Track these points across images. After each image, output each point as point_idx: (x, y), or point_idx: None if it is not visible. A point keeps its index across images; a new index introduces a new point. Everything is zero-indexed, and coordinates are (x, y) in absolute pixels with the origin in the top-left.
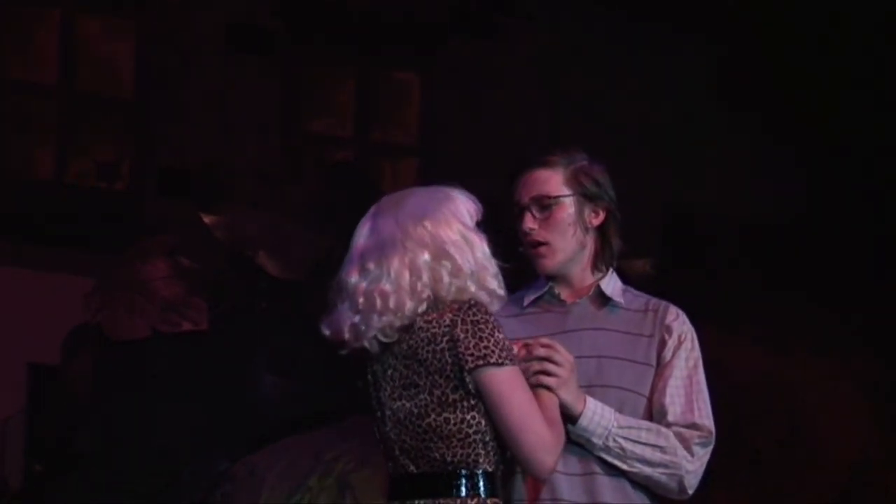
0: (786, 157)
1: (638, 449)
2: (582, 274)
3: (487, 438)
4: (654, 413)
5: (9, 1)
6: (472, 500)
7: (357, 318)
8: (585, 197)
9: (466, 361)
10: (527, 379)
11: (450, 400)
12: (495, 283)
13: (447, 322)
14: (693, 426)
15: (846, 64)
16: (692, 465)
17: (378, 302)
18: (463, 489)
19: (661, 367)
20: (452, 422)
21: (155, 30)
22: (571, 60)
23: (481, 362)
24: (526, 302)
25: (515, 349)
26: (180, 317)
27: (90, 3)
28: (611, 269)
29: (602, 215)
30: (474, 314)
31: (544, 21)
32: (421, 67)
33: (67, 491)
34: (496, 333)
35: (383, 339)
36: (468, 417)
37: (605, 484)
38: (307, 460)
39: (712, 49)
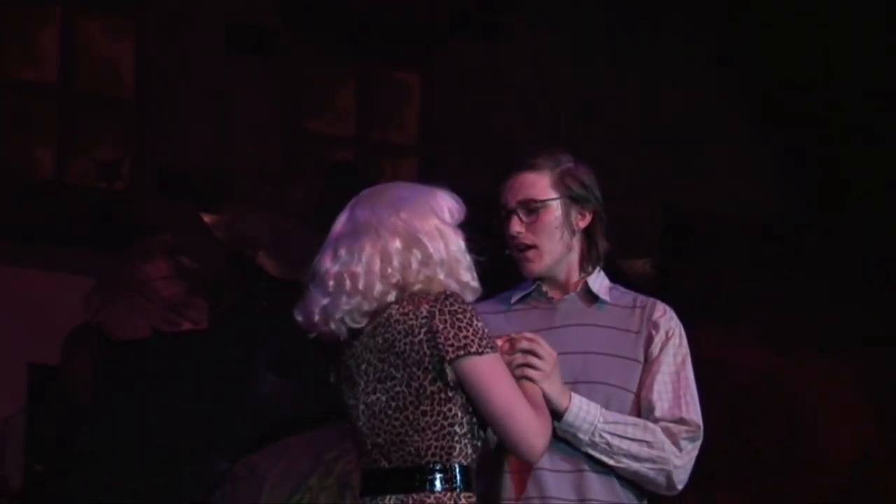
0: (787, 156)
1: (625, 444)
2: (569, 273)
3: (463, 431)
4: (641, 409)
5: (9, 1)
6: (445, 494)
7: (326, 301)
8: (572, 199)
9: (447, 352)
10: (511, 372)
11: (427, 392)
12: (468, 276)
13: (424, 314)
14: (680, 421)
15: (848, 62)
16: (680, 460)
17: (347, 283)
18: (437, 483)
19: (648, 364)
20: (429, 414)
21: (155, 30)
22: (571, 60)
23: (462, 352)
24: (513, 300)
25: (500, 343)
26: (180, 316)
27: (90, 2)
28: (598, 268)
29: (589, 217)
30: (451, 304)
31: (544, 21)
32: (421, 67)
33: (67, 491)
34: (475, 322)
35: (351, 324)
36: (444, 409)
37: (593, 480)
38: (308, 460)
39: (713, 49)
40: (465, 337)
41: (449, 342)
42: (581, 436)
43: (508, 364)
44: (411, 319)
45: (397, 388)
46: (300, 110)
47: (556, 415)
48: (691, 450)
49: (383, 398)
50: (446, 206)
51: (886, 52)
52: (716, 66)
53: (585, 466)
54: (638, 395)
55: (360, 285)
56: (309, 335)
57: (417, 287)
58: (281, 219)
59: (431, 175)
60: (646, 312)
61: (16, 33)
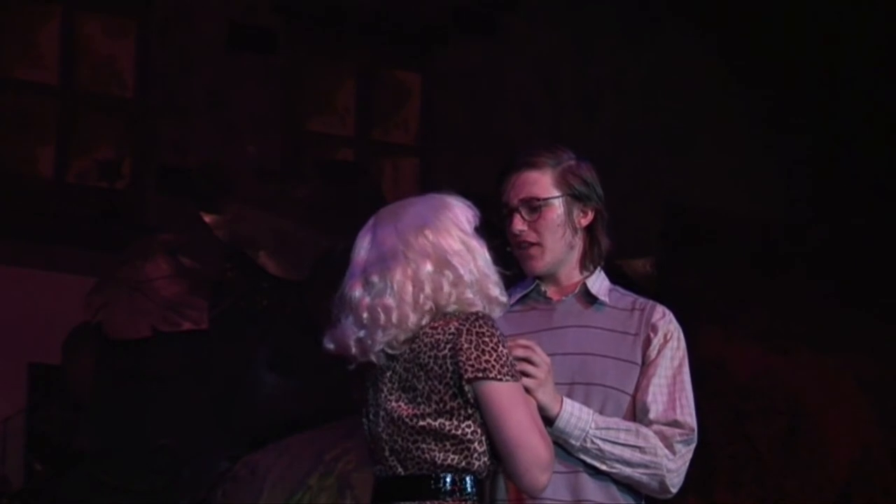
0: (787, 156)
1: (616, 450)
2: (570, 273)
3: (482, 448)
4: (636, 411)
5: (9, 0)
6: (457, 502)
7: (362, 333)
8: (574, 197)
9: (466, 371)
10: None
11: (448, 407)
12: (496, 291)
13: (452, 330)
14: (675, 424)
15: (851, 61)
16: (674, 464)
17: (381, 316)
18: (449, 491)
19: (645, 366)
20: (448, 427)
21: (155, 30)
22: (571, 60)
23: (480, 375)
24: (512, 300)
25: None
26: (181, 316)
27: (91, 2)
28: (598, 268)
29: (591, 215)
30: (479, 326)
31: (544, 21)
32: (421, 67)
33: (67, 490)
34: (499, 348)
35: (390, 352)
36: (464, 426)
37: (589, 482)
38: (308, 460)
39: (713, 48)
40: (487, 361)
41: (470, 362)
42: (573, 442)
43: None
44: (438, 334)
45: (418, 399)
46: (300, 110)
47: (548, 420)
48: (685, 453)
49: (404, 406)
50: (463, 215)
51: (888, 52)
52: (716, 66)
53: (581, 468)
54: (634, 397)
55: (395, 318)
56: (308, 334)
57: (451, 308)
58: (281, 219)
59: (431, 175)
60: (644, 315)
61: (16, 33)
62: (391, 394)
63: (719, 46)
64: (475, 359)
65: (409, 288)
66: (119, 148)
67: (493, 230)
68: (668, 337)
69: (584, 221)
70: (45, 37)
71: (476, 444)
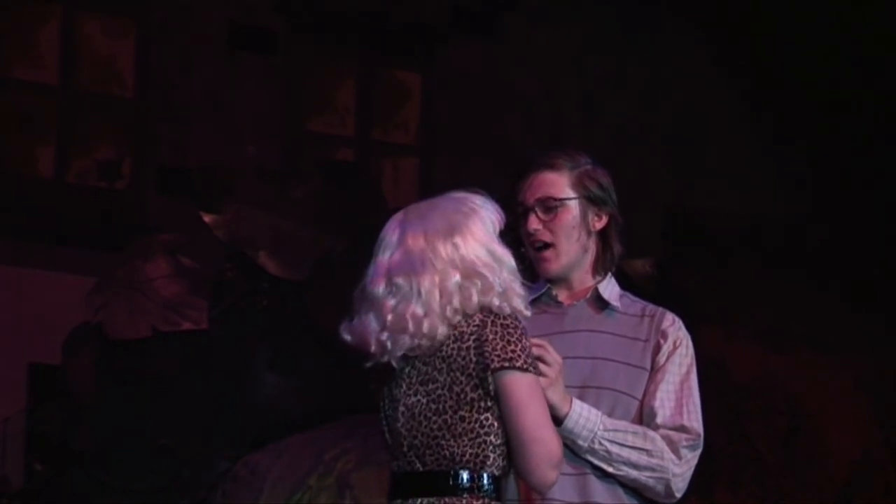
0: (787, 156)
1: (624, 452)
2: (582, 277)
3: (498, 441)
4: (643, 415)
5: (9, 0)
6: (476, 500)
7: (384, 336)
8: (590, 200)
9: (492, 361)
10: None
11: (468, 398)
12: (521, 304)
13: (477, 322)
14: (681, 428)
15: (851, 60)
16: (679, 469)
17: (410, 325)
18: (467, 487)
19: (654, 371)
20: (467, 420)
21: (155, 30)
22: (571, 60)
23: (507, 364)
24: None
25: None
26: (181, 316)
27: (91, 2)
28: (609, 274)
29: (605, 219)
30: (504, 318)
31: (544, 21)
32: (421, 67)
33: (67, 490)
34: (524, 340)
35: (410, 355)
36: (482, 418)
37: (596, 484)
38: (308, 460)
39: (713, 48)
40: (513, 351)
41: (496, 352)
42: (581, 442)
43: None
44: (462, 326)
45: (439, 392)
46: (300, 110)
47: (557, 420)
48: (691, 458)
49: (424, 400)
50: (490, 220)
51: (888, 51)
52: (716, 66)
53: (589, 470)
54: (642, 402)
55: (425, 328)
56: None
57: (476, 316)
58: (281, 219)
59: (431, 175)
60: (654, 321)
61: (16, 33)
62: (410, 388)
63: (719, 46)
64: (501, 349)
65: (437, 296)
66: (119, 148)
67: (510, 230)
68: (678, 344)
69: (599, 225)
70: (45, 37)
71: (492, 436)
